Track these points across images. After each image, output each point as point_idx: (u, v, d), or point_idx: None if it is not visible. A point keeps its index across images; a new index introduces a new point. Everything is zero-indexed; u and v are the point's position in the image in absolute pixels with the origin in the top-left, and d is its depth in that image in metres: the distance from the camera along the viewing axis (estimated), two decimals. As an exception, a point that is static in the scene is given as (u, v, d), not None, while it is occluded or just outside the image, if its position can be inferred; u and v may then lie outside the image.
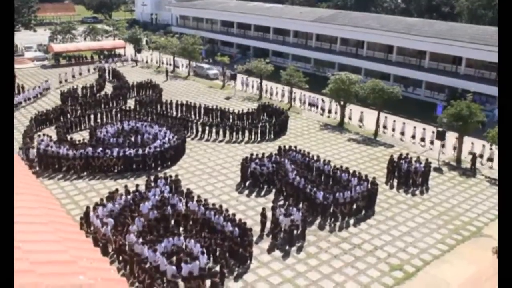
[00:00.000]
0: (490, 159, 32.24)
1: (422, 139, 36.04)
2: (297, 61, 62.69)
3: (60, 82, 51.73)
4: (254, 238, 21.50)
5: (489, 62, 45.84)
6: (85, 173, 29.05)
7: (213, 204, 23.10)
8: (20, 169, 16.27)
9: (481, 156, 32.55)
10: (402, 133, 37.37)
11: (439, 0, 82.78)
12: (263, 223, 22.90)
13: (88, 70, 57.27)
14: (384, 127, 38.75)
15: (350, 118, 41.17)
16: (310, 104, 44.86)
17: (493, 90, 42.99)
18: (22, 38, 76.89)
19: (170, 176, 26.29)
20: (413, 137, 36.73)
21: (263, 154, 29.81)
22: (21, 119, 38.96)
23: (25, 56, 66.51)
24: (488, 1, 73.29)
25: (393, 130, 38.24)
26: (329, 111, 43.12)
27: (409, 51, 54.87)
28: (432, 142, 35.12)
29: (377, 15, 72.55)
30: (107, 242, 20.37)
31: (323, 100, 43.49)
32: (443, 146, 34.09)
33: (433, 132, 34.65)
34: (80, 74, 55.31)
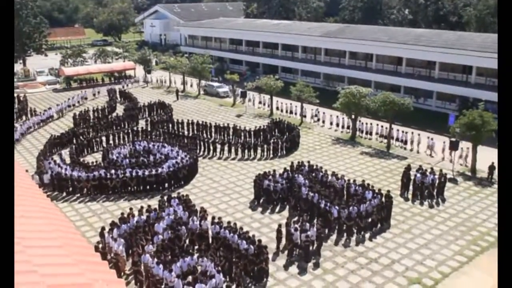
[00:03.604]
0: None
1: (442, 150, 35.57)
2: (307, 77, 62.81)
3: (78, 102, 53.24)
4: (270, 255, 21.38)
5: (500, 70, 45.54)
6: (98, 195, 29.15)
7: (228, 222, 23.06)
8: (35, 192, 16.35)
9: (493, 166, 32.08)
10: (431, 147, 36.59)
11: (447, 10, 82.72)
12: (279, 239, 22.76)
13: (96, 94, 57.66)
14: (403, 141, 38.43)
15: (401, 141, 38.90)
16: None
17: (505, 98, 42.64)
18: (33, 62, 78.04)
19: (183, 196, 26.28)
20: (431, 148, 36.37)
21: (274, 171, 29.68)
22: (35, 143, 39.32)
23: (37, 80, 67.32)
24: (496, 8, 73.12)
25: (409, 142, 37.89)
26: (342, 126, 42.83)
27: (419, 62, 54.80)
28: (450, 153, 34.40)
29: (384, 27, 72.73)
30: (121, 263, 20.35)
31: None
32: (465, 157, 33.78)
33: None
34: (86, 98, 55.65)
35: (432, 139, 37.14)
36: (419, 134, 37.82)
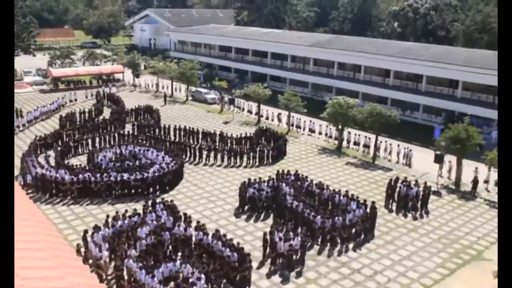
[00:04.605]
0: (487, 182, 32.19)
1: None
2: (295, 86, 62.85)
3: (69, 102, 53.29)
4: (254, 263, 21.33)
5: (486, 85, 46.13)
6: (82, 198, 28.89)
7: (217, 230, 22.93)
8: (17, 194, 16.18)
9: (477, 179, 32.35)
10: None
11: (435, 24, 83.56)
12: (265, 248, 22.73)
13: (86, 97, 56.96)
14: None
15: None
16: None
17: (490, 113, 43.23)
18: (21, 62, 77.33)
19: (168, 201, 26.15)
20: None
21: (259, 178, 29.66)
22: (20, 144, 38.91)
23: (24, 81, 66.63)
24: (483, 25, 74.11)
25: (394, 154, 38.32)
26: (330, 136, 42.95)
27: (406, 75, 55.21)
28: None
29: (373, 39, 73.27)
30: (101, 268, 20.19)
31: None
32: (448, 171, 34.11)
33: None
34: (76, 100, 55.02)
35: (398, 145, 38.54)
36: (398, 145, 38.28)
